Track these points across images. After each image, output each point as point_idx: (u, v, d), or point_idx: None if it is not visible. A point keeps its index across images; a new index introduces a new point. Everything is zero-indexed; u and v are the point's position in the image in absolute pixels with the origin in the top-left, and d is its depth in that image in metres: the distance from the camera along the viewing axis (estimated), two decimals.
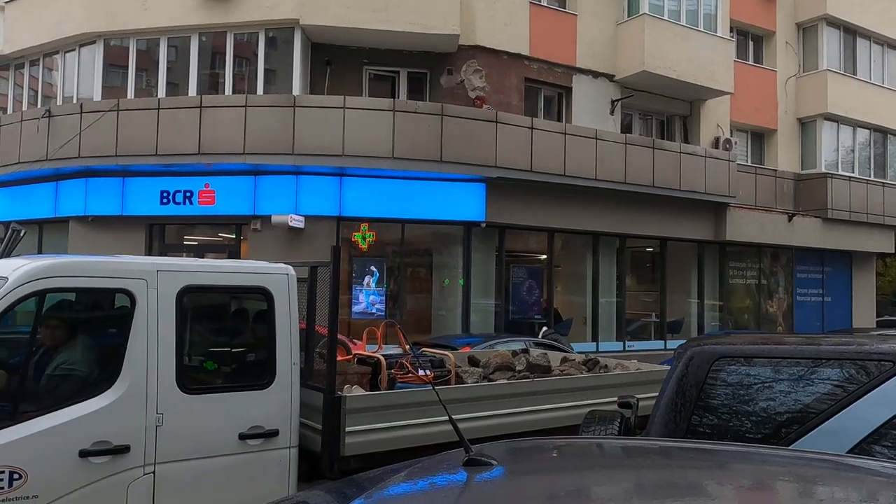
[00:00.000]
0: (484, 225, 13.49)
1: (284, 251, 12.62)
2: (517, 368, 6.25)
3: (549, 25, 15.41)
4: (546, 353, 7.31)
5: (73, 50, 14.81)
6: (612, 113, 16.24)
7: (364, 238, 13.15)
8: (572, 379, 6.10)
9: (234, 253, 13.32)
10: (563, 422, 5.46)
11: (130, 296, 4.19)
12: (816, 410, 3.05)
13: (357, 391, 5.17)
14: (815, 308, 19.90)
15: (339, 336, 10.23)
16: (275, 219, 12.33)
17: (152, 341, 4.19)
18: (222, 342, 5.13)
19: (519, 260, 15.14)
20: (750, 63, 19.37)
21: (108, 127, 12.73)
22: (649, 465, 2.11)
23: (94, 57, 14.41)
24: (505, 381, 5.84)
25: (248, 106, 12.57)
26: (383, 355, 5.87)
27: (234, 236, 13.45)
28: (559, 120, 15.61)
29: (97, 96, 14.11)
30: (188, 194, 12.82)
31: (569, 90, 15.86)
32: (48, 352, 4.16)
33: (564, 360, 7.15)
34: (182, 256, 13.08)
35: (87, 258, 4.62)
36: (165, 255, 13.39)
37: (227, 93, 13.74)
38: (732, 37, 18.02)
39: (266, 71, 13.88)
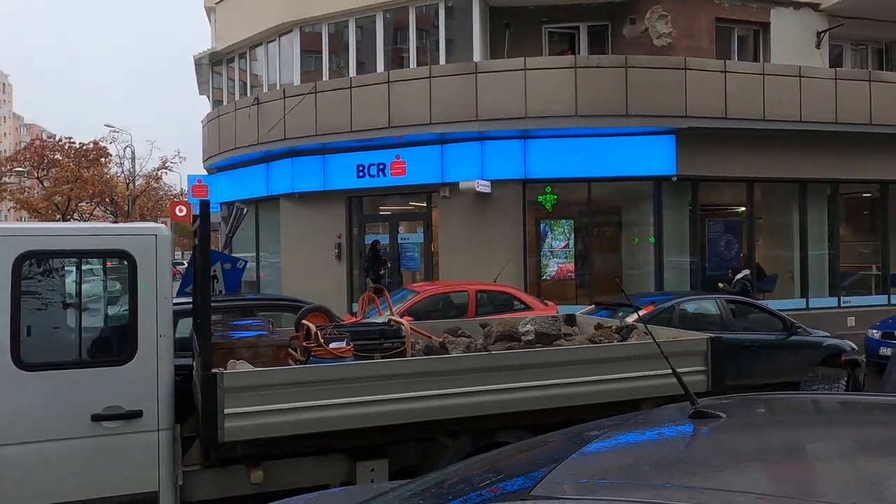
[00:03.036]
0: (675, 178, 12.89)
1: (473, 216, 12.99)
2: (525, 339, 5.31)
3: None
4: (558, 319, 5.98)
5: (274, 40, 16.14)
6: (818, 46, 14.70)
7: (548, 199, 13.13)
8: (558, 352, 5.01)
9: (427, 220, 13.92)
10: (559, 402, 4.59)
11: None
12: None
13: (243, 367, 4.43)
14: None
15: (526, 298, 10.32)
16: (462, 185, 12.65)
17: None
18: (71, 313, 4.58)
19: (714, 214, 14.34)
20: None
21: (308, 109, 13.77)
22: (880, 421, 1.99)
23: (292, 44, 15.61)
24: (465, 355, 4.92)
25: (431, 77, 12.97)
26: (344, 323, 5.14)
27: (424, 204, 14.04)
28: (755, 60, 14.44)
29: (297, 81, 15.29)
30: (381, 167, 13.55)
31: (766, 26, 14.58)
32: None
33: (599, 326, 6.13)
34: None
35: None
36: (361, 227, 14.27)
37: (411, 66, 14.27)
38: None
39: (447, 41, 14.20)
